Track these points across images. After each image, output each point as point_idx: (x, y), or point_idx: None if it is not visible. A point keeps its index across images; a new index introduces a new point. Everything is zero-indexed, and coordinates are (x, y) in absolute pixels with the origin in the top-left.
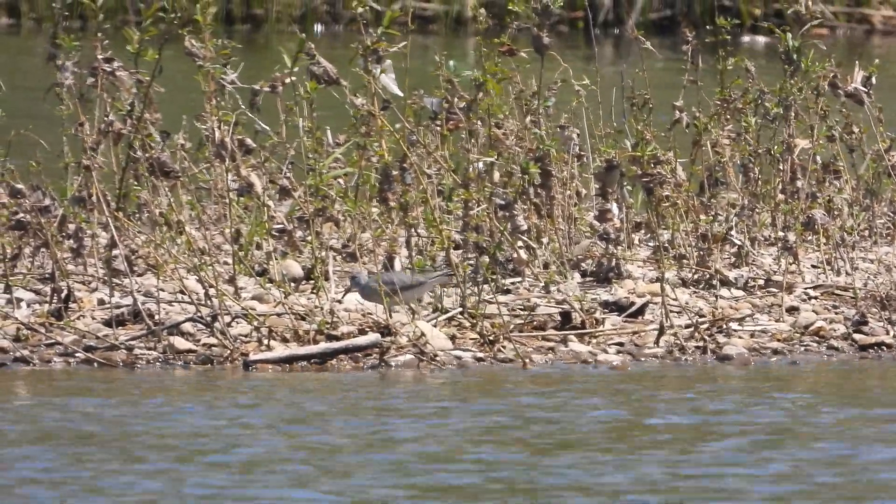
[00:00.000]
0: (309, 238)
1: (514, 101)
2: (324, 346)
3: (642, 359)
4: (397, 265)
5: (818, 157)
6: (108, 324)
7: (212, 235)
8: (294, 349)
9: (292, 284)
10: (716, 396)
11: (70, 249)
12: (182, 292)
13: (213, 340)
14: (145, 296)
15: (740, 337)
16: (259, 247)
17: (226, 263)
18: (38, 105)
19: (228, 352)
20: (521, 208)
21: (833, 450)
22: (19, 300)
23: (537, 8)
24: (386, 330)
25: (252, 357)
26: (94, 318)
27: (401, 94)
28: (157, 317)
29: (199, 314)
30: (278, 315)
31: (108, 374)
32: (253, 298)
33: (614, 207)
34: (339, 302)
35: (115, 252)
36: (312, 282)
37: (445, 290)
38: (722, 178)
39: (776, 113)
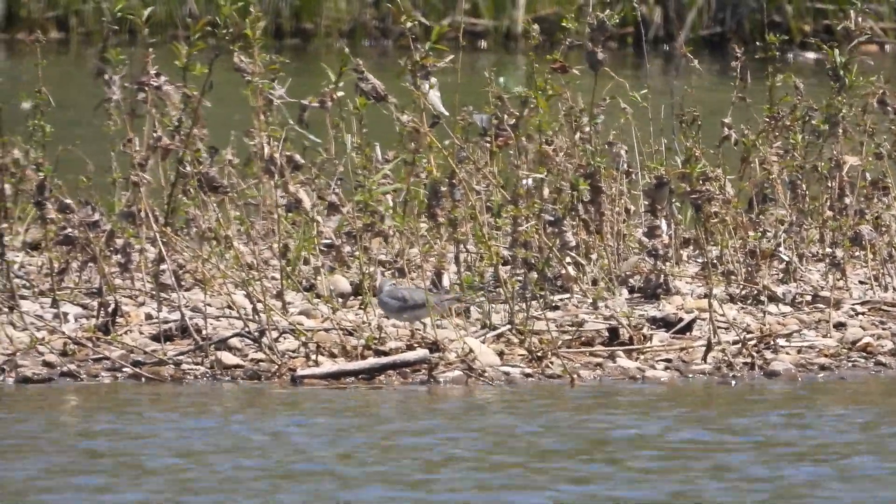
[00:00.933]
0: (357, 253)
1: (563, 117)
2: (372, 361)
3: (690, 375)
4: (445, 280)
5: (867, 174)
6: (155, 339)
7: (260, 251)
8: (342, 364)
9: (340, 300)
10: (795, 416)
11: (118, 264)
12: (230, 307)
13: (260, 356)
14: (193, 311)
15: (787, 353)
16: (307, 262)
17: (273, 279)
18: (87, 120)
19: (276, 367)
20: (570, 224)
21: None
22: (66, 315)
23: (593, 23)
24: (434, 346)
25: (300, 372)
26: (141, 333)
27: (446, 112)
28: (204, 332)
29: (246, 329)
30: (326, 330)
31: (156, 390)
32: (300, 314)
33: (663, 224)
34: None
35: (162, 267)
36: (360, 297)
37: (494, 306)
38: (770, 194)
39: (823, 130)
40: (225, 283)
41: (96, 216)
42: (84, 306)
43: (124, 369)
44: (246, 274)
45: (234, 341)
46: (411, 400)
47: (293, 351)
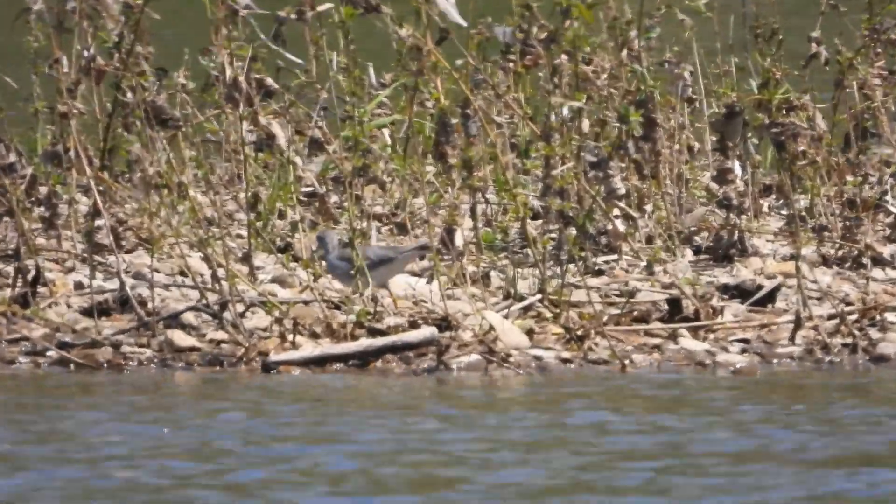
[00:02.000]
0: (346, 204)
1: (606, 30)
2: (365, 342)
3: (774, 360)
4: (457, 238)
5: None
6: (87, 313)
7: (222, 201)
8: (327, 347)
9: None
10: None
11: (41, 219)
12: (183, 273)
13: (222, 335)
14: (136, 278)
15: None
16: (282, 216)
17: (239, 237)
18: (2, 36)
19: (243, 350)
20: (618, 167)
21: None
22: None
23: None
24: (445, 322)
25: (273, 357)
26: (70, 307)
27: (464, 22)
28: (150, 305)
29: (204, 302)
30: (306, 303)
31: (88, 379)
32: (273, 281)
33: (736, 166)
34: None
35: (97, 223)
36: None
37: (520, 271)
38: (872, 128)
39: None
40: (177, 243)
41: (11, 157)
42: None
43: (48, 353)
44: (204, 231)
45: (189, 317)
46: (414, 392)
47: (264, 330)
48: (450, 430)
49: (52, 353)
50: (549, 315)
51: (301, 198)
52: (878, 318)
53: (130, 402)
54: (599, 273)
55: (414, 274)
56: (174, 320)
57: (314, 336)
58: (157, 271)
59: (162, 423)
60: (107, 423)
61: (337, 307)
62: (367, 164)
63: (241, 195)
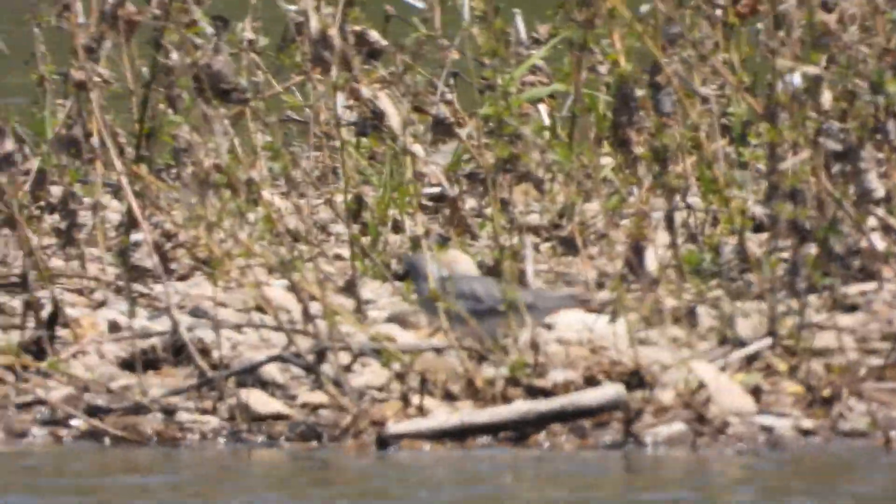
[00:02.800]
0: (488, 212)
1: None
2: (523, 407)
3: None
4: (649, 259)
5: None
6: (128, 366)
7: (311, 207)
8: (468, 413)
9: None
10: None
11: (55, 231)
12: (261, 310)
13: (319, 397)
14: (194, 316)
15: None
16: (398, 228)
17: (338, 258)
18: None
19: (349, 418)
20: (874, 158)
21: None
22: None
23: None
24: (635, 378)
25: (392, 428)
26: (102, 357)
27: None
28: (216, 354)
29: (292, 350)
30: (437, 351)
31: (130, 459)
32: (391, 321)
33: None
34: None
35: (135, 237)
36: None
37: (740, 305)
38: None
39: None
40: (250, 266)
41: (9, 144)
42: None
43: (73, 422)
44: (288, 249)
45: (272, 371)
46: (593, 479)
47: (378, 389)
48: None
49: (79, 423)
50: (782, 367)
51: (424, 202)
52: None
53: (190, 493)
54: (852, 308)
55: (590, 310)
56: (250, 376)
57: (449, 398)
58: (224, 306)
59: None
60: None
61: (482, 357)
62: (517, 155)
63: (339, 198)
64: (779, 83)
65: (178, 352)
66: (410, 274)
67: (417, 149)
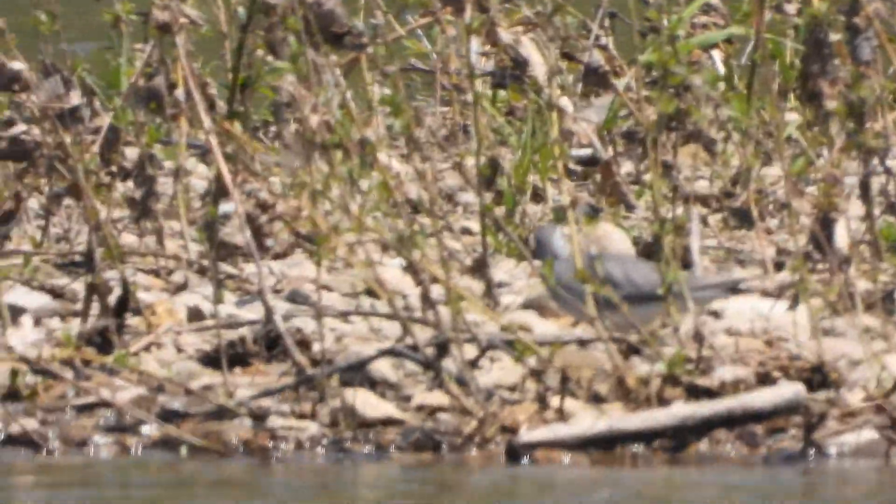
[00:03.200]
0: (647, 178)
1: None
2: (682, 410)
3: None
4: (839, 234)
5: None
6: (211, 362)
7: (436, 172)
8: (617, 419)
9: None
10: None
11: (128, 202)
12: (371, 294)
13: (439, 399)
14: (292, 302)
15: None
16: (539, 196)
17: (466, 232)
18: None
19: (474, 424)
20: None
21: None
22: (16, 310)
23: None
24: (817, 375)
25: (526, 436)
26: (180, 351)
27: None
28: (318, 347)
29: (407, 342)
30: (581, 344)
31: (212, 473)
32: (527, 307)
33: None
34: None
35: (224, 208)
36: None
37: None
38: None
39: None
40: (361, 243)
41: (75, 97)
42: (55, 292)
43: (143, 429)
44: (406, 222)
45: (383, 368)
46: (766, 500)
47: (510, 389)
48: None
49: (151, 430)
50: None
51: (571, 166)
52: None
53: None
54: None
55: (764, 294)
56: (357, 373)
57: (595, 399)
58: (329, 290)
59: None
60: None
61: (635, 350)
62: (684, 110)
63: (469, 162)
64: None
65: (271, 345)
66: (538, 252)
67: (565, 103)
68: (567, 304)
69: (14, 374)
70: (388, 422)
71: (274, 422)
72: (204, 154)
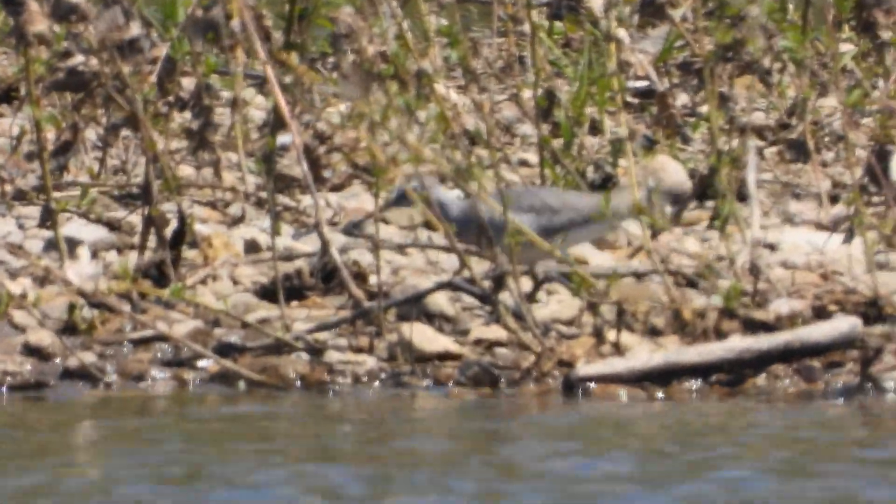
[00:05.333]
0: (705, 109)
1: None
2: (739, 344)
3: None
4: (895, 166)
5: None
6: (268, 294)
7: (493, 103)
8: (674, 352)
9: (667, 210)
10: None
11: (186, 133)
12: (429, 226)
13: (496, 333)
14: (348, 234)
15: None
16: (597, 129)
17: (523, 164)
18: None
19: (532, 358)
20: None
21: None
22: (73, 244)
23: None
24: (874, 309)
25: (582, 370)
26: (237, 283)
27: None
28: (375, 280)
29: (465, 276)
30: (638, 276)
31: (269, 407)
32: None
33: None
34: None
35: (282, 139)
36: (709, 202)
37: None
38: None
39: None
40: (419, 175)
41: (135, 28)
42: (112, 224)
43: (200, 363)
44: (464, 154)
45: (440, 302)
46: (823, 434)
47: (567, 323)
48: None
49: (208, 364)
50: None
51: (628, 98)
52: None
53: (341, 448)
54: None
55: (820, 227)
56: (414, 307)
57: (652, 333)
58: (386, 222)
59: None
60: (286, 486)
61: (692, 283)
62: (740, 41)
63: (527, 94)
64: None
65: (328, 278)
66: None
67: (622, 34)
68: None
69: (71, 307)
70: (445, 356)
71: (331, 356)
72: (260, 85)
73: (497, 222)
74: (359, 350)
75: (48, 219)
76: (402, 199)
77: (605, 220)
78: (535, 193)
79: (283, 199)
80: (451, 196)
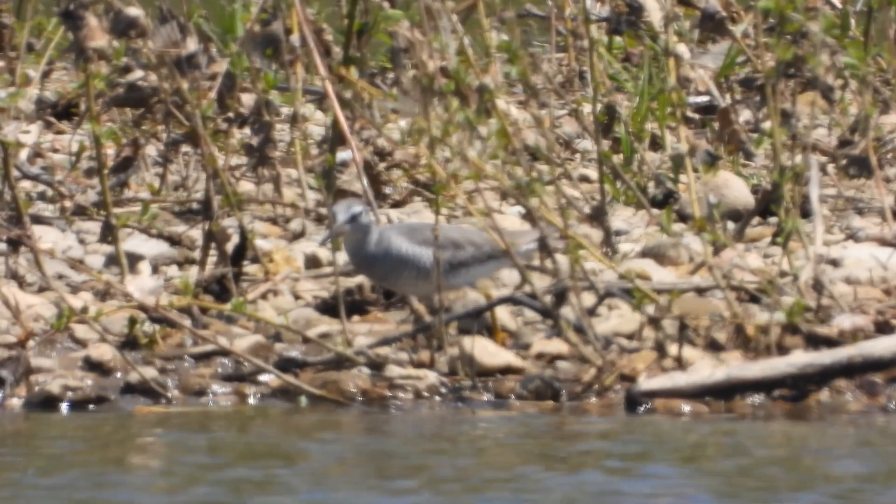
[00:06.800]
0: (767, 125)
1: None
2: (802, 359)
3: None
4: None
5: None
6: (329, 309)
7: (553, 118)
8: (737, 367)
9: (728, 226)
10: None
11: (245, 149)
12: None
13: (557, 347)
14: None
15: None
16: (657, 144)
17: (584, 180)
18: None
19: (593, 372)
20: None
21: None
22: (134, 257)
23: None
24: None
25: (644, 384)
26: (298, 298)
27: None
28: (435, 295)
29: (527, 290)
30: (700, 292)
31: (331, 422)
32: (646, 255)
33: None
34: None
35: (342, 155)
36: (775, 218)
37: None
38: None
39: None
40: (479, 190)
41: (192, 44)
42: (173, 239)
43: (261, 377)
44: (525, 169)
45: (501, 315)
46: (889, 451)
47: (629, 337)
48: None
49: (269, 378)
50: None
51: (688, 113)
52: None
53: (402, 463)
54: None
55: (883, 242)
56: (476, 321)
57: (714, 347)
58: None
59: None
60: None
61: (754, 299)
62: (802, 57)
63: (586, 109)
64: None
65: (389, 293)
66: (336, 220)
67: (682, 49)
68: (408, 268)
69: (132, 321)
70: (506, 370)
71: (392, 371)
72: (320, 100)
73: (403, 255)
74: (420, 365)
75: (109, 234)
76: (352, 221)
77: (504, 259)
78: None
79: None
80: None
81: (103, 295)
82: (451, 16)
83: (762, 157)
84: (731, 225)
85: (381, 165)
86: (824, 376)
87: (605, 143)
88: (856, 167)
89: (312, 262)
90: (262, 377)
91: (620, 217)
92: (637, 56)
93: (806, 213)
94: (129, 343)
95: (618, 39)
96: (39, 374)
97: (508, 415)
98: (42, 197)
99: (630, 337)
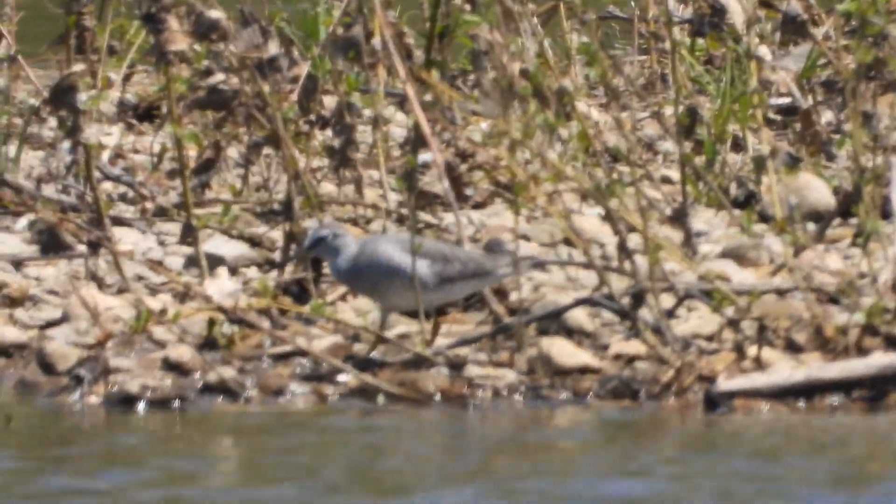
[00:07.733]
0: (848, 127)
1: None
2: (881, 360)
3: None
4: None
5: None
6: (408, 311)
7: (635, 121)
8: (816, 368)
9: (809, 227)
10: None
11: (327, 151)
12: (569, 243)
13: (636, 348)
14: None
15: None
16: (739, 146)
17: (666, 181)
18: None
19: (671, 372)
20: None
21: None
22: (214, 259)
23: None
24: None
25: (723, 384)
26: None
27: None
28: (515, 296)
29: (605, 292)
30: (780, 293)
31: (409, 422)
32: (725, 256)
33: None
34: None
35: (423, 157)
36: (854, 221)
37: None
38: None
39: None
40: (559, 192)
41: (273, 47)
42: (254, 241)
43: (339, 377)
44: (605, 171)
45: (579, 317)
46: None
47: (708, 339)
48: None
49: (348, 378)
50: None
51: (770, 115)
52: None
53: (479, 461)
54: None
55: None
56: (554, 322)
57: (793, 349)
58: (527, 239)
59: None
60: None
61: (834, 300)
62: (883, 59)
63: (668, 111)
64: None
65: (470, 295)
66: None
67: (764, 51)
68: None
69: (211, 323)
70: (584, 370)
71: (471, 370)
72: (401, 102)
73: (394, 264)
74: (498, 364)
75: (189, 235)
76: (315, 247)
77: (490, 276)
78: (432, 242)
79: (424, 216)
80: (351, 245)
81: (182, 296)
82: (532, 18)
83: (843, 158)
84: (811, 226)
85: (463, 167)
86: None
87: (687, 144)
88: None
89: None
90: (341, 377)
91: (701, 218)
92: (719, 58)
93: (886, 215)
94: (207, 344)
95: (700, 41)
96: (118, 374)
97: (586, 413)
98: (123, 198)
99: (709, 338)
